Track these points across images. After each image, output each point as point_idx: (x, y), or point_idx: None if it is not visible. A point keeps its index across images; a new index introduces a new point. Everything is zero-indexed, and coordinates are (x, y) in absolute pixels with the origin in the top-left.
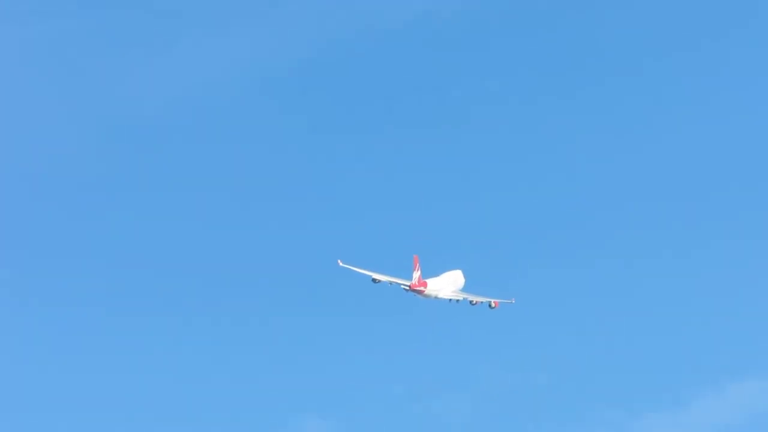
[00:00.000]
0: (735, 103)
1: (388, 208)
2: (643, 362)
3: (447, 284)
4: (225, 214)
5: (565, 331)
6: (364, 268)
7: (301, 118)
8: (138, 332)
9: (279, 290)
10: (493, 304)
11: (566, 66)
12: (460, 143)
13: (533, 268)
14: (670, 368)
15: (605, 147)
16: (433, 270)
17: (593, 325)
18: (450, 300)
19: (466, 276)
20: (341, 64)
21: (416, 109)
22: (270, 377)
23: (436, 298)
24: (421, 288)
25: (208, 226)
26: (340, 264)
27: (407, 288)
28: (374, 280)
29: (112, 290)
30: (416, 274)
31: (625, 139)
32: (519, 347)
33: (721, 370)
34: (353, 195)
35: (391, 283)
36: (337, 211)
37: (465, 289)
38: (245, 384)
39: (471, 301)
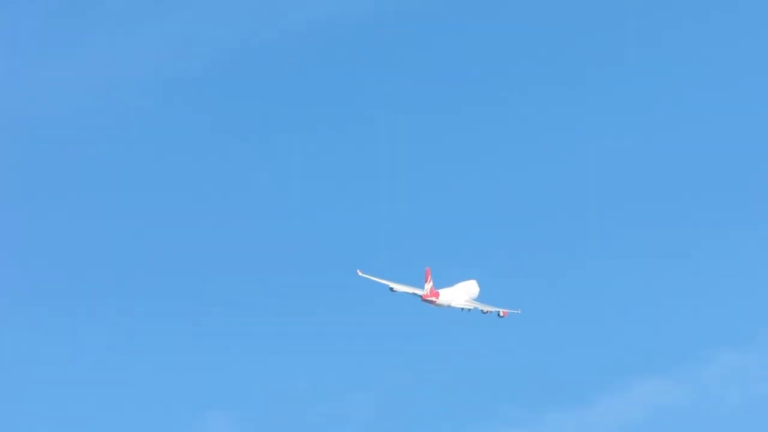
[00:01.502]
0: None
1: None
2: (548, 362)
3: (460, 294)
4: (129, 213)
5: (470, 330)
6: (382, 278)
7: (209, 118)
8: (51, 329)
9: (191, 288)
10: (501, 314)
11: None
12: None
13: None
14: (575, 368)
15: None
16: (450, 279)
17: (500, 326)
18: (462, 309)
19: (480, 285)
20: (250, 64)
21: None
22: (178, 375)
23: (449, 306)
24: (433, 298)
25: (112, 226)
26: (360, 274)
27: (421, 298)
28: (392, 290)
29: (18, 289)
30: (428, 286)
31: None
32: (426, 346)
33: (627, 369)
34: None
35: (406, 292)
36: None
37: (480, 298)
38: (152, 381)
39: (482, 310)
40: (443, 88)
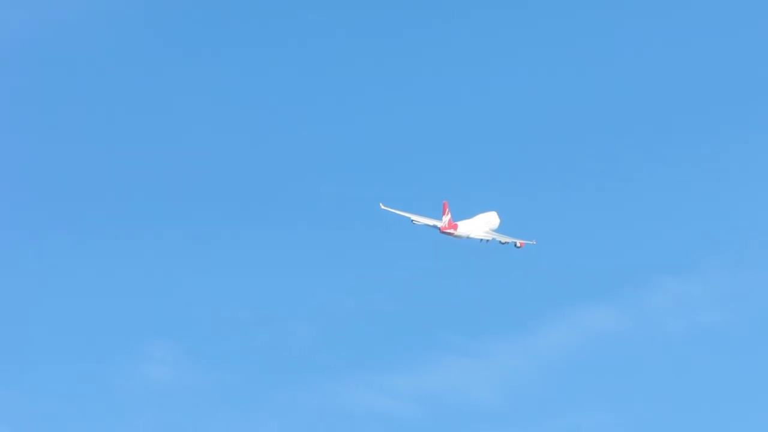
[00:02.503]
0: None
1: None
2: (490, 290)
3: (480, 225)
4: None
5: (412, 258)
6: (405, 211)
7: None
8: None
9: (136, 210)
10: (518, 244)
11: None
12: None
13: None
14: (517, 295)
15: None
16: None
17: (442, 252)
18: (481, 240)
19: (501, 217)
20: None
21: None
22: (119, 300)
23: (468, 237)
24: (451, 230)
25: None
26: (382, 207)
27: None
28: (413, 222)
29: None
30: (446, 218)
31: None
32: (365, 273)
33: (568, 296)
34: None
35: (426, 224)
36: None
37: (500, 229)
38: (90, 307)
39: (500, 241)
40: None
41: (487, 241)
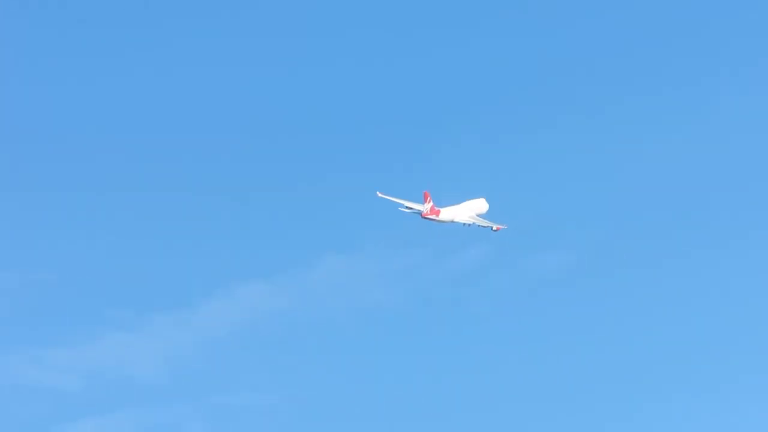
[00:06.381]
0: None
1: None
2: (155, 266)
3: (465, 211)
4: None
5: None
6: (399, 198)
7: None
8: None
9: None
10: (494, 228)
11: None
12: None
13: None
14: (181, 273)
15: None
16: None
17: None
18: (464, 224)
19: (490, 203)
20: None
21: None
22: None
23: (452, 222)
24: (433, 216)
25: None
26: (379, 195)
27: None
28: (406, 208)
29: None
30: (428, 205)
31: None
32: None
33: (232, 274)
34: None
35: (411, 210)
36: None
37: (488, 215)
38: None
39: (479, 225)
40: None
41: (469, 225)
